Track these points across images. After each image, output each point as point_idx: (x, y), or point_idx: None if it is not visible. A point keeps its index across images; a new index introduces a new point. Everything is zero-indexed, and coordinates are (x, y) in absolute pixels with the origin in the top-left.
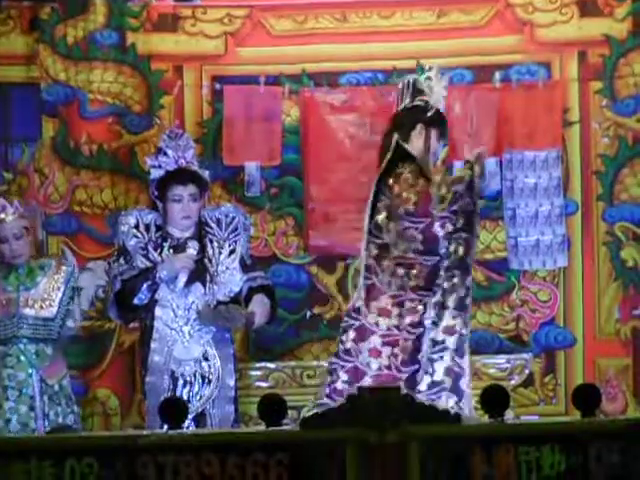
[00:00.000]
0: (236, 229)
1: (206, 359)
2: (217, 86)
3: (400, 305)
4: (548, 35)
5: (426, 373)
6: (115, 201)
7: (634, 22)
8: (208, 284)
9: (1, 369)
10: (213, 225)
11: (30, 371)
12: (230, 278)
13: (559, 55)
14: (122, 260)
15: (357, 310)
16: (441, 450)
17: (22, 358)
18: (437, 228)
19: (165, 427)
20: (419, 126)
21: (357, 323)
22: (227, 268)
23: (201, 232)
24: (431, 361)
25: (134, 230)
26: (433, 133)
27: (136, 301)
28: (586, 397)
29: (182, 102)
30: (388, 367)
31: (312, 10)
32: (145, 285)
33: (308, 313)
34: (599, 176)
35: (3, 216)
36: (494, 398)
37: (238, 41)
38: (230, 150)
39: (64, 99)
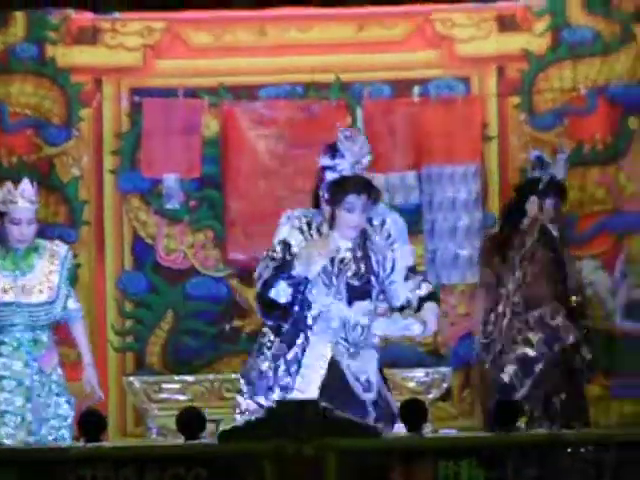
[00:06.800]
0: (389, 235)
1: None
2: (136, 98)
3: None
4: (467, 50)
5: None
6: None
7: (552, 37)
8: (374, 300)
9: None
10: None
11: (27, 360)
12: (395, 291)
13: (478, 70)
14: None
15: None
16: (359, 463)
17: (18, 346)
18: None
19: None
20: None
21: None
22: (391, 282)
23: (364, 241)
24: None
25: (300, 236)
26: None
27: (275, 296)
28: (505, 412)
29: (101, 114)
30: None
31: (230, 24)
32: (282, 279)
33: (227, 326)
34: None
35: (19, 199)
36: (412, 412)
37: (157, 54)
38: (149, 162)
39: None
